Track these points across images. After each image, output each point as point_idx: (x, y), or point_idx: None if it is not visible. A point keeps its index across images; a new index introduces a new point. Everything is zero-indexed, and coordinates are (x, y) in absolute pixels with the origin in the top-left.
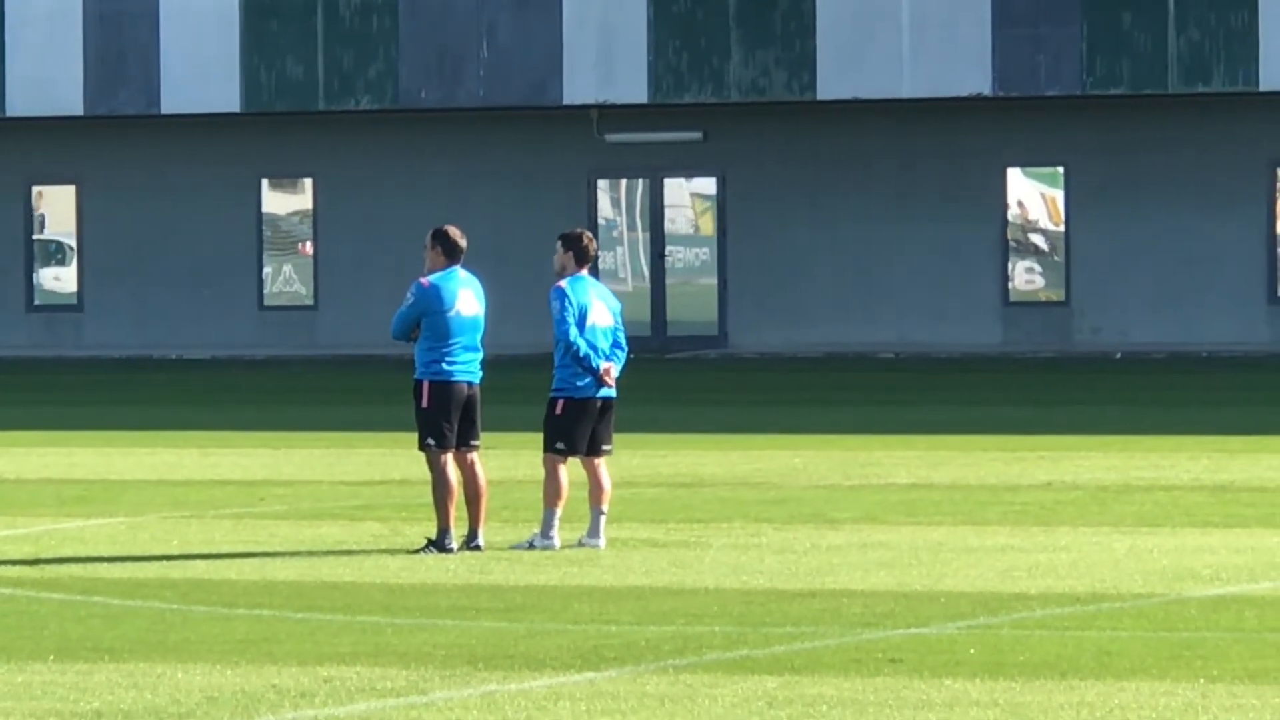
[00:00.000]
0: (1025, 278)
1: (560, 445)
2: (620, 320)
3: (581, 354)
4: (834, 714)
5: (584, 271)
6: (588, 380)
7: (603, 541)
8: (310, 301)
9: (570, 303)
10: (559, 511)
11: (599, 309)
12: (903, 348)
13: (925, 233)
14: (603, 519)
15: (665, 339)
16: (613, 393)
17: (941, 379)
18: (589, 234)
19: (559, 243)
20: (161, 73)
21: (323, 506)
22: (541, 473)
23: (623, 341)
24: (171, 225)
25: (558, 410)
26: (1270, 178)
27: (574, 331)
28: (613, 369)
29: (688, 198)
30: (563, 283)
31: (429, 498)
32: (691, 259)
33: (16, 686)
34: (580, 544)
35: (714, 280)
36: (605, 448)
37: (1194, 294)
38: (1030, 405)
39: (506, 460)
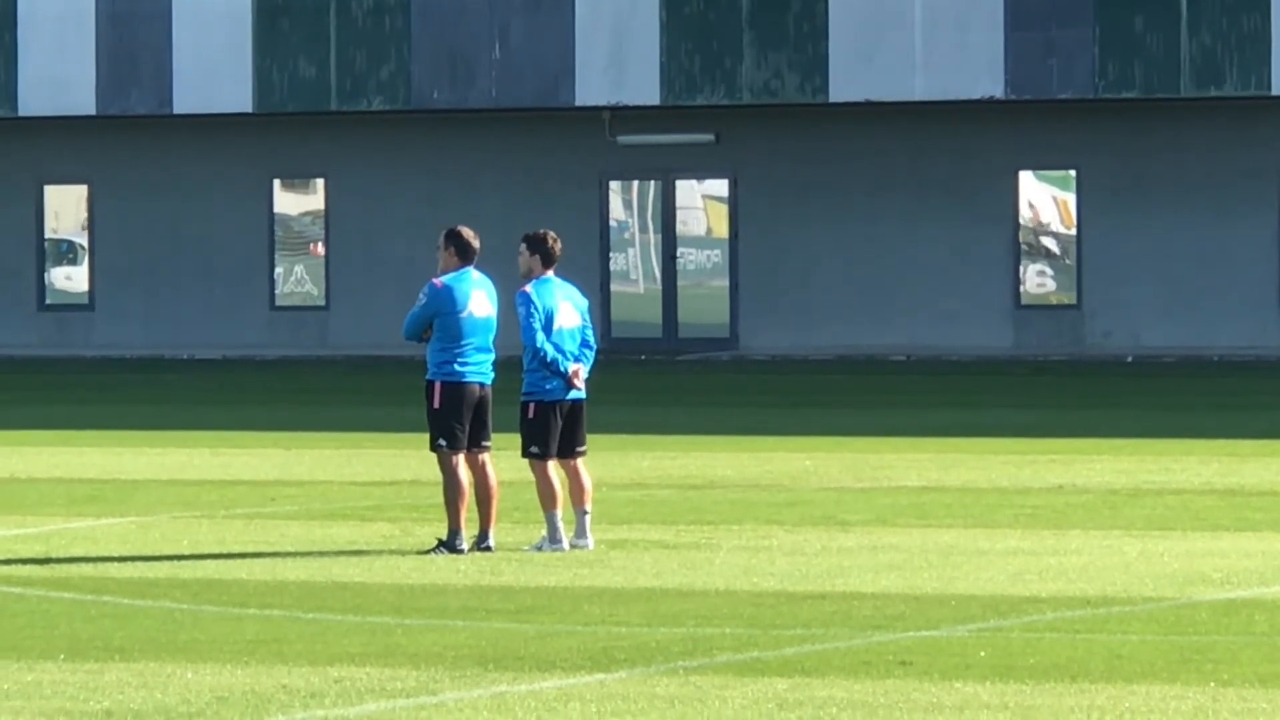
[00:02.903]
0: (1036, 281)
1: (535, 449)
2: (588, 318)
3: (549, 359)
4: (844, 716)
5: (550, 273)
6: (557, 383)
7: (591, 541)
8: (322, 302)
9: (536, 308)
10: (559, 513)
11: (565, 310)
12: (914, 350)
13: (937, 235)
14: (587, 519)
15: (676, 341)
16: (582, 394)
17: (952, 382)
18: (553, 235)
19: (523, 245)
20: (173, 73)
21: (334, 507)
22: (530, 475)
23: (591, 340)
24: (183, 225)
25: (530, 414)
26: None
27: (540, 337)
28: (581, 371)
29: (699, 200)
30: (528, 287)
31: (440, 498)
32: (703, 261)
33: (27, 685)
34: (570, 546)
35: (725, 282)
36: (580, 449)
37: (1206, 298)
38: (1041, 409)
39: (517, 461)
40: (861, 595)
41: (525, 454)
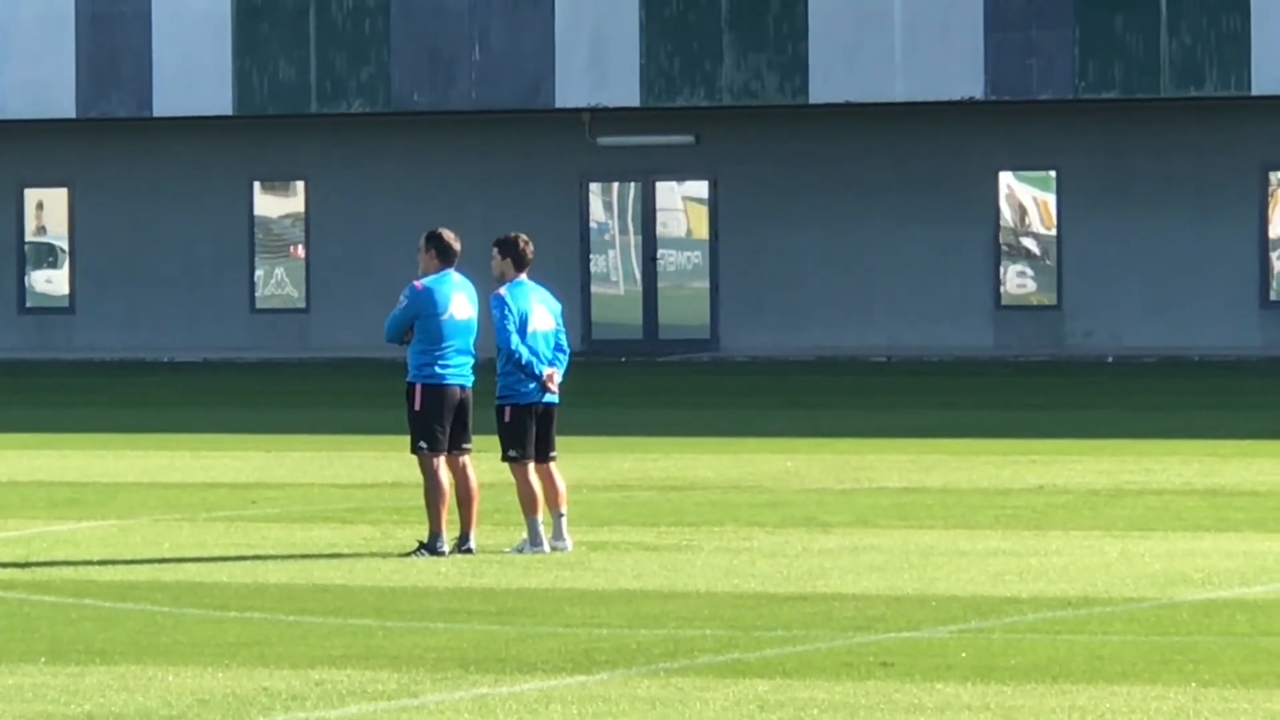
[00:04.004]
0: (1017, 281)
1: (513, 453)
2: (561, 322)
3: (524, 361)
4: (825, 717)
5: (523, 276)
6: (532, 385)
7: (569, 543)
8: (302, 304)
9: (510, 310)
10: (540, 516)
11: (540, 313)
12: (895, 351)
13: (917, 236)
14: (563, 521)
15: (657, 342)
16: (555, 398)
17: (933, 382)
18: (524, 238)
19: (495, 249)
20: (154, 75)
21: (314, 509)
22: (510, 478)
23: (565, 344)
24: (163, 228)
25: (506, 418)
26: (1262, 182)
27: (515, 339)
28: (555, 374)
29: (680, 201)
30: (502, 290)
31: (421, 501)
32: (683, 262)
33: (8, 689)
34: (551, 548)
35: (706, 284)
36: (552, 454)
37: (1186, 298)
38: (1022, 409)
39: (498, 464)
40: (843, 596)
41: (505, 458)
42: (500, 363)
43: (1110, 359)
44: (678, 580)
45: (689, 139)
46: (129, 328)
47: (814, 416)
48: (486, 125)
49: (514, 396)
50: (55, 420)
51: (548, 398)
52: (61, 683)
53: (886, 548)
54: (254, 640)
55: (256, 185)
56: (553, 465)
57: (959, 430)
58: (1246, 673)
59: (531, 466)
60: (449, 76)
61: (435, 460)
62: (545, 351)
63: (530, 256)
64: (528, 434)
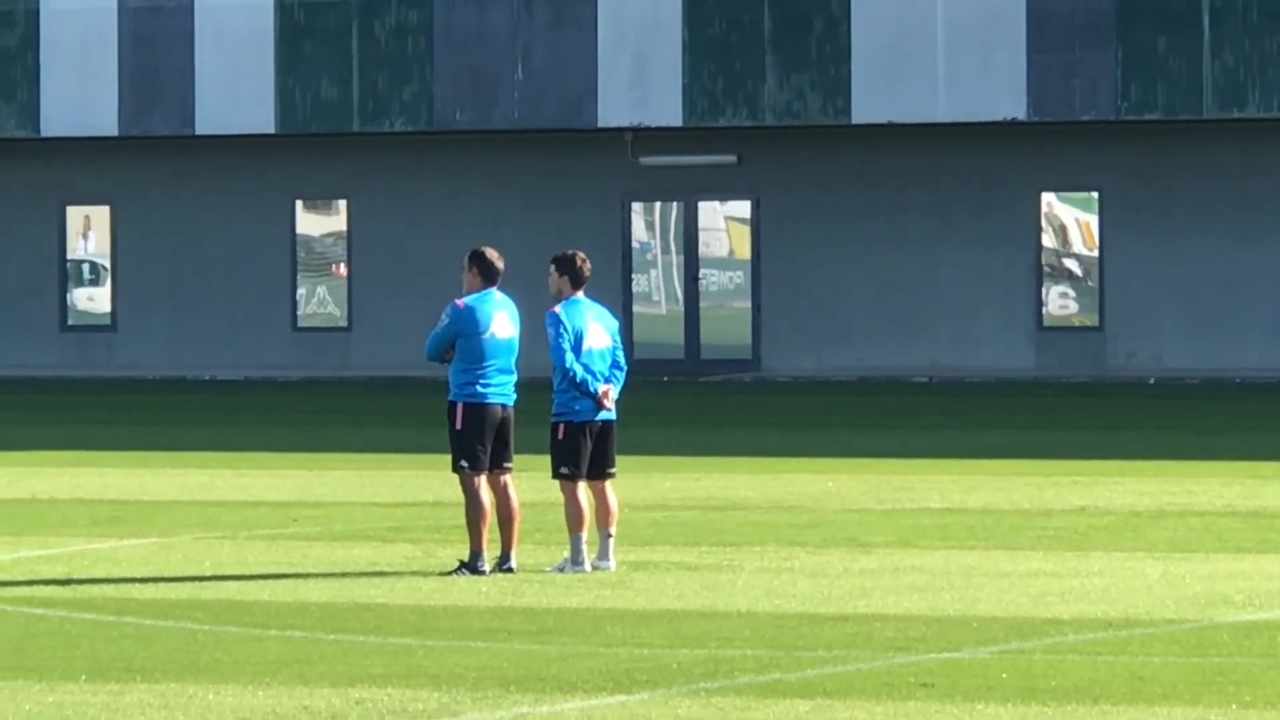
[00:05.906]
0: (1059, 302)
1: (565, 470)
2: (619, 339)
3: (578, 379)
4: None
5: (580, 294)
6: (586, 404)
7: (613, 563)
8: (344, 323)
9: (565, 329)
10: (585, 535)
11: (595, 331)
12: (936, 372)
13: (959, 257)
14: (611, 541)
15: (699, 362)
16: (612, 415)
17: (975, 403)
18: (582, 255)
19: (552, 266)
20: (196, 94)
21: (355, 528)
22: (561, 497)
23: (621, 361)
24: (205, 246)
25: (560, 435)
26: None
27: (570, 357)
28: (611, 391)
29: (722, 221)
30: (557, 308)
31: (462, 520)
32: (725, 282)
33: (48, 706)
34: (592, 568)
35: (748, 304)
36: (609, 470)
37: (1228, 320)
38: (1063, 430)
39: (539, 482)
40: (883, 617)
41: (555, 475)
42: (556, 380)
43: (1152, 380)
44: (719, 600)
45: (731, 159)
46: (171, 346)
47: (855, 437)
48: (529, 144)
49: (568, 414)
50: (96, 438)
51: (603, 415)
52: (102, 700)
53: (928, 568)
54: (295, 659)
55: (299, 204)
56: (608, 484)
57: (1000, 451)
58: None
59: (582, 485)
60: (491, 96)
61: (476, 479)
62: (601, 368)
63: (588, 274)
64: (580, 452)
